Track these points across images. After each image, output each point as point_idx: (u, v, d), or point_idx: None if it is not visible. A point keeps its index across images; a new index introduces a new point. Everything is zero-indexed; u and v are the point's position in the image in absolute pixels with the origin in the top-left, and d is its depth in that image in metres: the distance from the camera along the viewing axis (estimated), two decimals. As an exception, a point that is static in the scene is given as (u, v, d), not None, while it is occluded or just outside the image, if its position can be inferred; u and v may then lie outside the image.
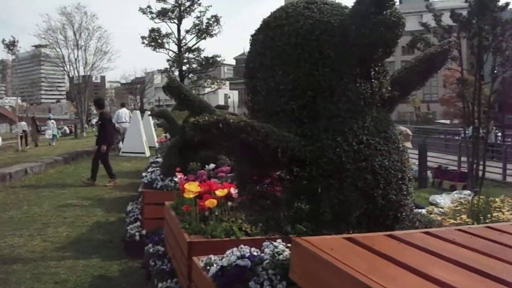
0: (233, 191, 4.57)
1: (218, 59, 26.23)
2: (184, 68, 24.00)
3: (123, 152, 19.67)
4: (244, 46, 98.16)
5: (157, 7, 25.16)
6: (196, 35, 24.26)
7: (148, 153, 19.95)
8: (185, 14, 24.70)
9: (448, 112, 60.49)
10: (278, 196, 2.96)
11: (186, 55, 24.34)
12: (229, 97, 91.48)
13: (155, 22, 24.85)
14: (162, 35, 24.40)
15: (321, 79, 2.69)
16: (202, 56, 24.84)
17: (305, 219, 2.65)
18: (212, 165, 5.96)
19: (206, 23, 24.44)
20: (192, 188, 4.70)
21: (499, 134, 29.66)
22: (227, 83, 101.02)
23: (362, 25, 2.65)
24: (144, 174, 7.86)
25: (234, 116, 2.52)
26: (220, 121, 2.43)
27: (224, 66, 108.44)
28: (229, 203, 4.58)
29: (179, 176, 5.41)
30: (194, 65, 24.33)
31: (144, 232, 6.59)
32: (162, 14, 24.74)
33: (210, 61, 25.02)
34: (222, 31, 26.45)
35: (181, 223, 4.76)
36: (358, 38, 2.67)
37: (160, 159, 10.07)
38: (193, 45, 24.21)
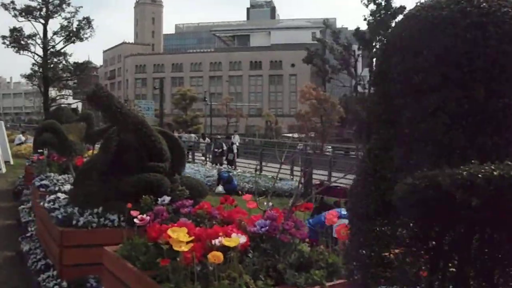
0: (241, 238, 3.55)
1: (90, 65, 23.60)
2: (49, 74, 21.20)
3: (-26, 169, 16.89)
4: (88, 54, 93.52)
5: (21, 3, 22.26)
6: (65, 38, 21.57)
7: (4, 169, 17.37)
8: (53, 14, 21.89)
9: (303, 127, 62.59)
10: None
11: (54, 59, 21.56)
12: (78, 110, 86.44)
13: (18, 21, 21.82)
14: (25, 35, 21.31)
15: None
16: (70, 61, 22.39)
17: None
18: (167, 198, 4.72)
19: (77, 25, 21.92)
20: (182, 236, 3.52)
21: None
22: (71, 92, 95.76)
23: None
24: (46, 205, 6.24)
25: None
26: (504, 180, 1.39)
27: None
28: (231, 254, 3.51)
29: (139, 216, 4.12)
30: (60, 71, 21.65)
31: (65, 284, 5.11)
32: (27, 12, 21.68)
33: (81, 68, 22.39)
34: (94, 35, 24.25)
35: (160, 283, 3.54)
36: None
37: (46, 182, 8.38)
38: (61, 49, 21.54)
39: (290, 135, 72.51)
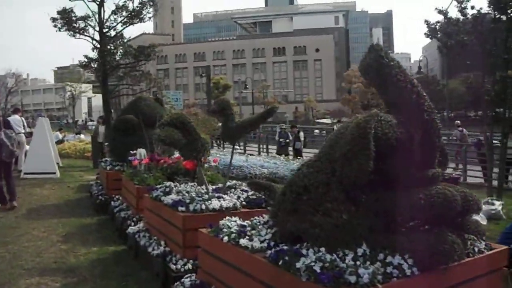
0: None
1: (156, 49, 20.52)
2: (108, 60, 18.22)
3: (25, 173, 14.56)
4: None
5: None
6: (125, 18, 18.56)
7: (58, 173, 15.07)
8: None
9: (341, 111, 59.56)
10: None
11: (114, 43, 18.58)
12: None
13: (70, 0, 18.73)
14: (77, 17, 18.25)
15: None
16: (132, 45, 19.31)
17: None
18: None
19: (139, 3, 18.71)
20: None
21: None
22: (90, 86, 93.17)
23: None
24: (244, 242, 3.82)
25: None
26: None
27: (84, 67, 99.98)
28: None
29: None
30: (120, 57, 18.70)
31: None
32: None
33: (146, 52, 19.35)
34: (157, 15, 21.29)
35: None
36: None
37: (179, 197, 5.91)
38: (120, 31, 18.55)
39: (323, 120, 70.20)
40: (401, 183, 3.54)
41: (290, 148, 22.25)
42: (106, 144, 15.78)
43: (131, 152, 8.76)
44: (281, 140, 22.61)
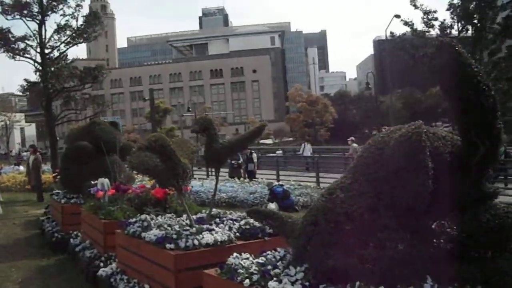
0: None
1: (104, 71, 19.24)
2: (52, 83, 16.78)
3: (-38, 211, 13.27)
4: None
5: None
6: (70, 38, 17.23)
7: (1, 210, 13.84)
8: (52, 9, 17.24)
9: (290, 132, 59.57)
10: None
11: (57, 65, 17.18)
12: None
13: (7, 19, 17.27)
14: (16, 37, 16.79)
15: None
16: (77, 67, 18.03)
17: None
18: None
19: (83, 21, 17.46)
20: None
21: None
22: (23, 115, 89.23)
23: None
24: (274, 285, 3.20)
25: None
26: None
27: (15, 96, 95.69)
28: None
29: None
30: (66, 80, 17.33)
31: None
32: (18, 7, 16.81)
33: (93, 74, 18.08)
34: (102, 33, 20.16)
35: None
36: None
37: (161, 232, 5.21)
38: (63, 52, 17.24)
39: (266, 141, 70.12)
40: (459, 203, 3.03)
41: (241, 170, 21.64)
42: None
43: (92, 182, 7.93)
44: (233, 162, 21.90)
